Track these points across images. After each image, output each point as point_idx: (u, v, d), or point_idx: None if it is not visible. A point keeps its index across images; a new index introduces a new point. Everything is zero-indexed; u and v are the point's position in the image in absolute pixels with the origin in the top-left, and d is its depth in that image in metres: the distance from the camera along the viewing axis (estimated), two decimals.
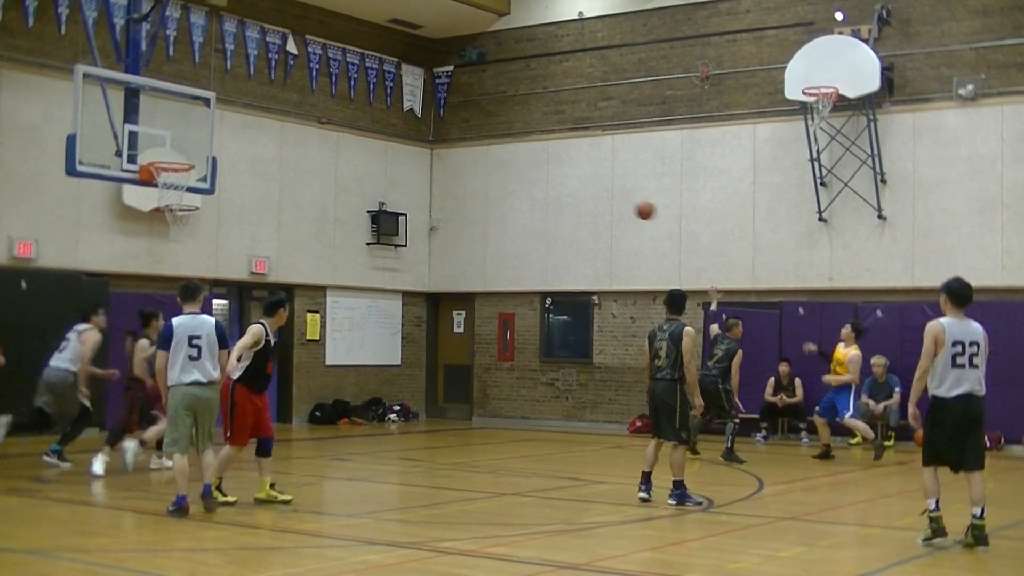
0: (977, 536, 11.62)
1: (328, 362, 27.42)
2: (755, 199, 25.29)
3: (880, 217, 23.75)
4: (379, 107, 28.83)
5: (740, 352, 20.45)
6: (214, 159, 18.92)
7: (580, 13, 27.87)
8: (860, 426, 20.82)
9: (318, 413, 26.86)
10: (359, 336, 28.26)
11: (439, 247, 29.58)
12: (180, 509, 13.26)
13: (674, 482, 14.62)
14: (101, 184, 21.44)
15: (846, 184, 23.98)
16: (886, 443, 21.97)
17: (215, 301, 25.16)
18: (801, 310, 24.52)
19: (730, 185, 25.60)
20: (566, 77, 28.11)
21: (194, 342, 13.47)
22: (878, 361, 22.64)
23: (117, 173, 17.98)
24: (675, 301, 15.04)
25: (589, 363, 27.23)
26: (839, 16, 24.20)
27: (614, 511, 14.30)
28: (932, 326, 11.89)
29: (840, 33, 24.03)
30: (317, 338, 27.21)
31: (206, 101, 19.15)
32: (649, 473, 14.81)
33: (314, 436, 24.17)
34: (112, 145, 17.77)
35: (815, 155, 24.07)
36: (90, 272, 22.68)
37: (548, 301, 28.12)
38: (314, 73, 27.18)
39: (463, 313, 29.68)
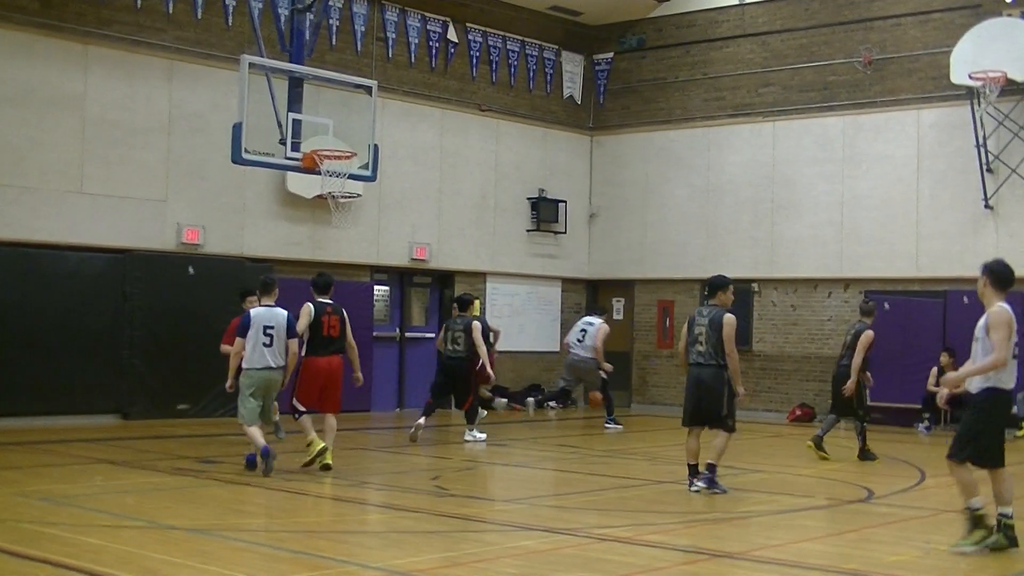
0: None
1: None
2: (919, 186, 24.85)
3: None
4: (539, 94, 28.90)
5: (869, 333, 18.41)
6: (376, 147, 19.17)
7: None
8: None
9: None
10: (519, 322, 28.35)
11: (599, 234, 29.59)
12: (252, 463, 15.37)
13: (708, 464, 14.38)
14: (265, 172, 21.86)
15: (1014, 171, 23.44)
16: None
17: (376, 288, 25.46)
18: (966, 299, 24.00)
19: (893, 172, 25.19)
20: (726, 63, 27.89)
21: (267, 331, 15.12)
22: None
23: (281, 161, 18.34)
24: (714, 287, 14.77)
25: (748, 351, 26.91)
26: None
27: (771, 500, 14.18)
28: (1006, 312, 10.81)
29: (1009, 15, 23.47)
30: None
31: (368, 89, 19.40)
32: (696, 465, 14.56)
33: None
34: (276, 133, 18.13)
35: (981, 141, 23.57)
36: (254, 258, 23.11)
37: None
38: (474, 61, 27.34)
39: (622, 300, 29.64)
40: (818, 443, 18.34)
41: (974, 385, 10.97)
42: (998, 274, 11.01)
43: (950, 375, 11.34)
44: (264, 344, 15.02)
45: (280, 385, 15.31)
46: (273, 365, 15.09)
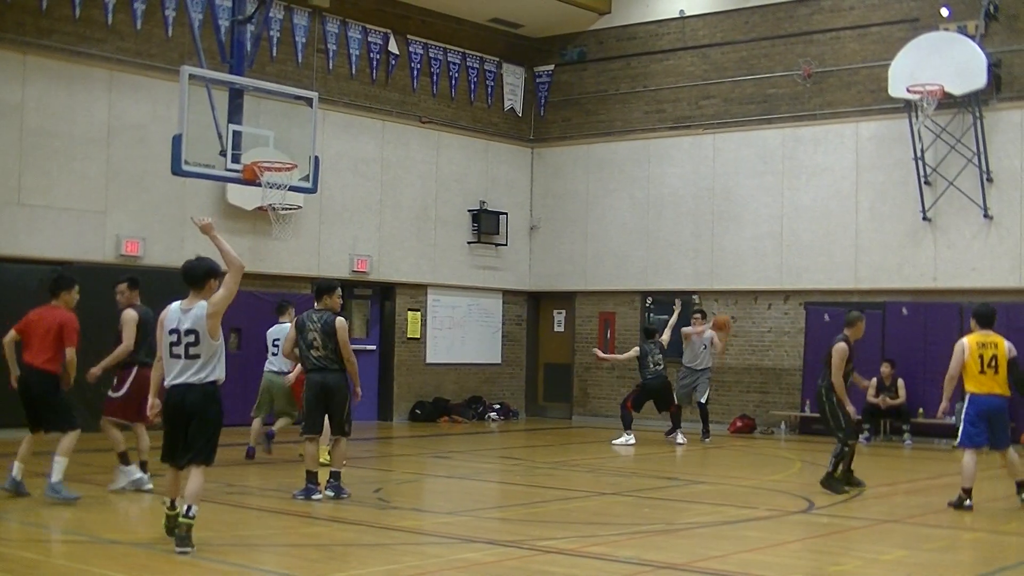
0: None
1: (428, 360, 27.54)
2: (858, 198, 25.03)
3: (986, 216, 23.41)
4: (480, 106, 28.91)
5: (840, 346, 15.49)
6: (316, 158, 19.11)
7: (681, 11, 27.75)
8: None
9: (418, 411, 26.98)
10: (460, 335, 28.35)
11: (540, 246, 29.61)
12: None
13: (333, 472, 14.43)
14: (206, 183, 21.73)
15: (951, 183, 23.66)
16: None
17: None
18: (904, 310, 24.26)
19: (832, 184, 25.36)
20: (667, 76, 28.00)
21: (275, 343, 17.88)
22: None
23: (221, 172, 18.25)
24: (320, 291, 14.70)
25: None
26: (945, 12, 23.87)
27: (713, 511, 14.23)
28: None
29: (946, 29, 23.68)
30: (418, 336, 27.33)
31: (309, 101, 19.34)
32: (315, 473, 14.43)
33: (414, 434, 24.29)
34: (217, 145, 18.04)
35: (919, 154, 23.78)
36: None
37: (649, 300, 28.01)
38: (415, 73, 27.31)
39: (563, 312, 29.69)
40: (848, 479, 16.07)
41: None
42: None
43: None
44: (272, 354, 18.04)
45: (284, 386, 17.99)
46: (276, 370, 18.14)
